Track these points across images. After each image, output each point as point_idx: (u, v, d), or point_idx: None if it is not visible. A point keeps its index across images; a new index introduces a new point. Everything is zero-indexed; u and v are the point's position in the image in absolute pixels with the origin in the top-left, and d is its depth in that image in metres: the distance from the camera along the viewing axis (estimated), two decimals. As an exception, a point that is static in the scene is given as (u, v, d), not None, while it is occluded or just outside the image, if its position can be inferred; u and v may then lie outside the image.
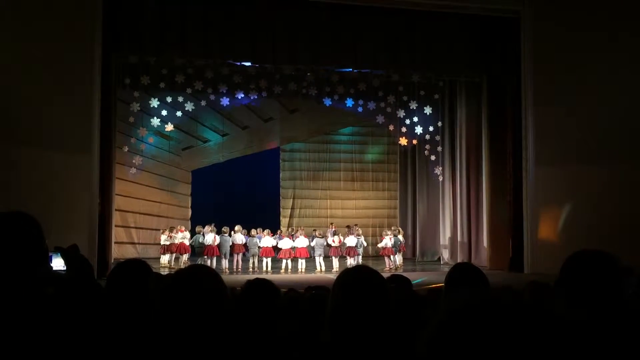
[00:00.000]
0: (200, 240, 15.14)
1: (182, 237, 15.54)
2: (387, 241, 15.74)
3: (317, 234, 16.01)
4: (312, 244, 15.54)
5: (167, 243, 15.49)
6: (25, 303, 1.80)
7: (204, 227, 15.34)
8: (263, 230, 15.56)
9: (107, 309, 2.48)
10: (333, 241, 15.59)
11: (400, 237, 16.18)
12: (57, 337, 1.78)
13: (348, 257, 15.44)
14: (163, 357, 1.77)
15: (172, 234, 15.56)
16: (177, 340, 1.75)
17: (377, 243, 17.52)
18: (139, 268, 2.72)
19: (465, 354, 0.82)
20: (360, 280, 1.95)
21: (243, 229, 15.50)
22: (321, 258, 15.38)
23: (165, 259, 15.53)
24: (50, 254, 2.02)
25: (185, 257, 15.56)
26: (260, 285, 2.87)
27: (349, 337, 1.84)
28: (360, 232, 16.41)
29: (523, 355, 0.81)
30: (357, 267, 2.10)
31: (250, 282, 2.93)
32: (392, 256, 15.77)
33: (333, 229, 17.41)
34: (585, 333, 1.77)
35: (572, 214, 14.07)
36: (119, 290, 2.62)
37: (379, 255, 16.77)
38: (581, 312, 1.95)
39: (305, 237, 15.55)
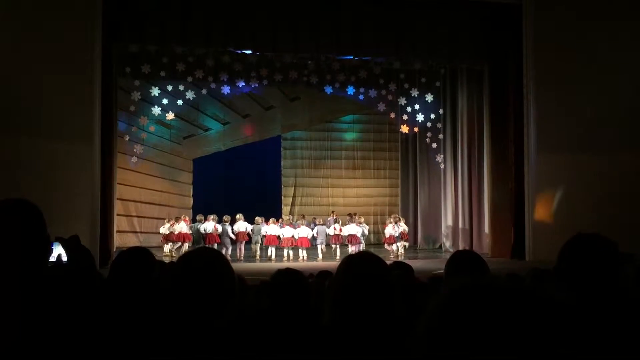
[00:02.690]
0: (201, 228, 15.22)
1: (181, 226, 15.57)
2: (390, 229, 15.81)
3: (318, 221, 16.05)
4: (314, 232, 15.62)
5: (167, 232, 15.54)
6: (27, 292, 1.81)
7: (204, 217, 15.42)
8: (268, 220, 15.57)
9: (110, 297, 2.49)
10: (334, 229, 15.64)
11: (402, 225, 16.22)
12: (58, 327, 1.79)
13: (350, 245, 15.49)
14: (168, 343, 1.78)
15: (176, 223, 15.62)
16: (184, 320, 1.77)
17: (378, 231, 17.59)
18: (143, 256, 2.74)
19: (462, 336, 0.83)
20: (364, 266, 1.97)
21: (245, 217, 15.56)
22: (323, 245, 15.45)
23: (167, 247, 15.60)
24: (52, 242, 2.03)
25: (186, 245, 15.58)
26: (291, 276, 2.89)
27: (351, 321, 1.86)
28: (362, 220, 16.47)
29: (519, 337, 0.81)
30: (361, 253, 2.12)
31: (280, 272, 2.96)
32: (393, 244, 15.83)
33: (334, 217, 17.44)
34: (583, 316, 1.77)
35: (564, 198, 14.07)
36: (122, 277, 2.64)
37: (382, 242, 16.83)
38: (579, 295, 1.96)
39: (306, 226, 15.64)
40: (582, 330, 1.65)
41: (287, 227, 15.42)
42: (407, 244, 16.60)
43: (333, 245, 15.47)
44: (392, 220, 16.20)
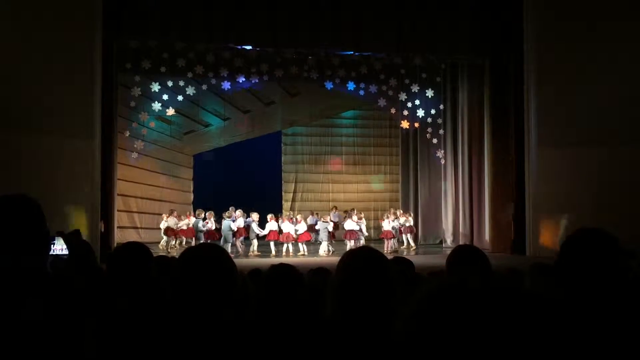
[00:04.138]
0: (201, 225, 15.26)
1: (175, 222, 15.67)
2: (385, 224, 15.88)
3: (324, 219, 16.12)
4: (317, 227, 15.69)
5: (165, 226, 15.67)
6: (27, 286, 1.80)
7: (205, 212, 15.49)
8: (266, 216, 15.59)
9: (109, 291, 2.49)
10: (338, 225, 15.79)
11: (401, 220, 16.29)
12: (59, 321, 1.79)
13: (348, 241, 15.55)
14: (170, 339, 1.78)
15: (171, 217, 15.70)
16: (188, 315, 1.77)
17: (379, 227, 17.65)
18: (139, 251, 2.73)
19: (440, 334, 0.82)
20: (364, 261, 1.98)
21: (245, 212, 15.63)
22: (325, 241, 15.52)
23: (172, 243, 15.68)
24: (52, 237, 2.02)
25: (180, 241, 15.71)
26: (285, 271, 2.90)
27: (352, 315, 1.86)
28: (362, 216, 16.49)
29: (500, 339, 0.80)
30: (361, 248, 2.13)
31: (274, 267, 2.97)
32: (392, 239, 15.91)
33: (334, 212, 17.47)
34: (582, 313, 1.77)
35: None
36: (120, 272, 2.64)
37: (381, 238, 16.89)
38: (580, 292, 1.96)
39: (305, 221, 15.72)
40: (579, 328, 1.64)
41: (286, 222, 15.42)
42: (399, 239, 16.57)
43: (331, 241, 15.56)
44: (391, 215, 16.29)
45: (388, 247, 15.77)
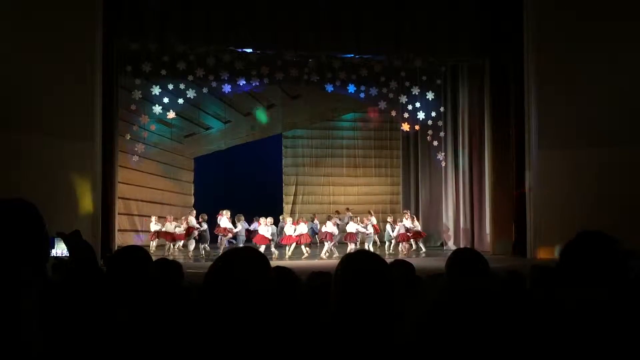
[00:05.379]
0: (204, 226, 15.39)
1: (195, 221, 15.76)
2: (401, 227, 16.12)
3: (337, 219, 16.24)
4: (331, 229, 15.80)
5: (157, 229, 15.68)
6: (27, 288, 1.80)
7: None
8: (264, 217, 15.60)
9: (110, 294, 2.49)
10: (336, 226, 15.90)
11: (407, 222, 16.40)
12: (60, 322, 1.79)
13: (349, 243, 15.58)
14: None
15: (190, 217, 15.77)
16: (223, 318, 1.76)
17: (380, 229, 17.71)
18: (139, 254, 2.73)
19: (448, 337, 0.83)
20: (362, 263, 1.98)
21: (245, 215, 15.71)
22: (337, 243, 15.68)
23: (192, 246, 15.71)
24: (52, 238, 2.02)
25: (178, 244, 15.72)
26: (280, 274, 2.90)
27: (351, 317, 1.86)
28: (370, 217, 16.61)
29: (503, 341, 0.81)
30: (359, 251, 2.13)
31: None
32: (404, 242, 16.11)
33: (349, 214, 17.56)
34: (583, 315, 1.77)
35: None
36: (119, 276, 2.64)
37: (382, 241, 16.98)
38: (579, 293, 1.95)
39: (305, 223, 15.75)
40: (581, 329, 1.64)
41: (302, 224, 15.47)
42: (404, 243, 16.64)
43: (324, 243, 15.63)
44: (407, 216, 16.49)
45: (404, 249, 15.99)
